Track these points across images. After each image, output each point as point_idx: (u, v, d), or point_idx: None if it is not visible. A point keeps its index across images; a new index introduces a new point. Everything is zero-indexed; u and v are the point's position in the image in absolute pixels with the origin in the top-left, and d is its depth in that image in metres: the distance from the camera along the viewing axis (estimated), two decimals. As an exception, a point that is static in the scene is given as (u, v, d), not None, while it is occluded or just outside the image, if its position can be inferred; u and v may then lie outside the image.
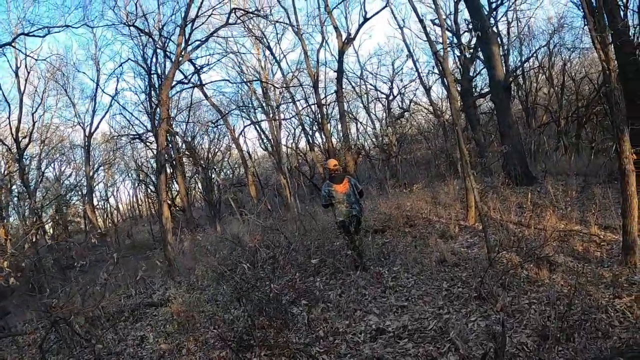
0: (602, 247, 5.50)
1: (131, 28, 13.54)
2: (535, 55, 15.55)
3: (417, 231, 7.89)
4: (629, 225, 4.69)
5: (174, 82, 15.50)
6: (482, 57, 14.89)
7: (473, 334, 3.99)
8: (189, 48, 11.94)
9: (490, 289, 4.67)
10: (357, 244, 6.25)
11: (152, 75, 15.93)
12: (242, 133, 21.34)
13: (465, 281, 5.21)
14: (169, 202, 20.95)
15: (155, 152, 15.36)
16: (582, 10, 4.61)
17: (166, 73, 12.60)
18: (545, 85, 16.20)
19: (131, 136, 19.55)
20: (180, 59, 12.03)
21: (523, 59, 15.60)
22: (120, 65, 19.46)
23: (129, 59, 16.48)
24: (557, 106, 14.16)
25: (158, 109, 14.16)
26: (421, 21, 9.22)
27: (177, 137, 18.96)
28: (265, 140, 21.21)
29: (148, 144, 19.19)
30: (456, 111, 6.86)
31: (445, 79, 6.96)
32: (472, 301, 4.65)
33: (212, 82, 29.05)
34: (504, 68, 13.02)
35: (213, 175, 22.07)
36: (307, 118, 20.98)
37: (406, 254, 6.53)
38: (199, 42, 12.24)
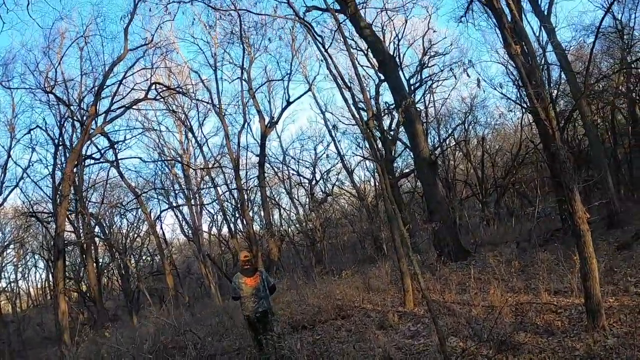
0: (561, 315, 4.96)
1: (50, 95, 12.86)
2: (452, 133, 16.58)
3: (352, 323, 6.85)
4: (592, 288, 4.22)
5: (84, 156, 13.91)
6: (401, 139, 15.44)
7: None
8: (105, 120, 11.05)
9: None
10: (271, 342, 5.33)
11: (65, 148, 14.52)
12: (159, 217, 19.97)
13: (421, 386, 4.08)
14: (80, 290, 18.88)
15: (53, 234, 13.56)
16: (517, 72, 4.46)
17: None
18: (462, 162, 17.03)
19: (27, 214, 17.41)
20: (92, 130, 10.93)
21: (441, 138, 16.61)
22: (28, 132, 17.24)
23: (37, 126, 14.67)
24: (475, 180, 14.71)
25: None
26: (347, 100, 9.00)
27: (90, 218, 16.99)
28: (185, 226, 19.89)
29: (45, 224, 17.08)
30: (389, 187, 6.28)
31: (374, 145, 6.45)
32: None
33: (126, 158, 27.49)
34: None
35: (132, 262, 20.31)
36: (229, 204, 19.92)
37: (343, 354, 5.27)
38: (114, 115, 11.34)
